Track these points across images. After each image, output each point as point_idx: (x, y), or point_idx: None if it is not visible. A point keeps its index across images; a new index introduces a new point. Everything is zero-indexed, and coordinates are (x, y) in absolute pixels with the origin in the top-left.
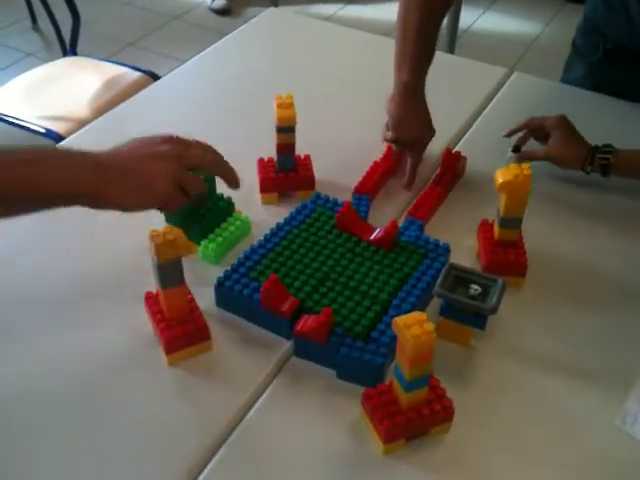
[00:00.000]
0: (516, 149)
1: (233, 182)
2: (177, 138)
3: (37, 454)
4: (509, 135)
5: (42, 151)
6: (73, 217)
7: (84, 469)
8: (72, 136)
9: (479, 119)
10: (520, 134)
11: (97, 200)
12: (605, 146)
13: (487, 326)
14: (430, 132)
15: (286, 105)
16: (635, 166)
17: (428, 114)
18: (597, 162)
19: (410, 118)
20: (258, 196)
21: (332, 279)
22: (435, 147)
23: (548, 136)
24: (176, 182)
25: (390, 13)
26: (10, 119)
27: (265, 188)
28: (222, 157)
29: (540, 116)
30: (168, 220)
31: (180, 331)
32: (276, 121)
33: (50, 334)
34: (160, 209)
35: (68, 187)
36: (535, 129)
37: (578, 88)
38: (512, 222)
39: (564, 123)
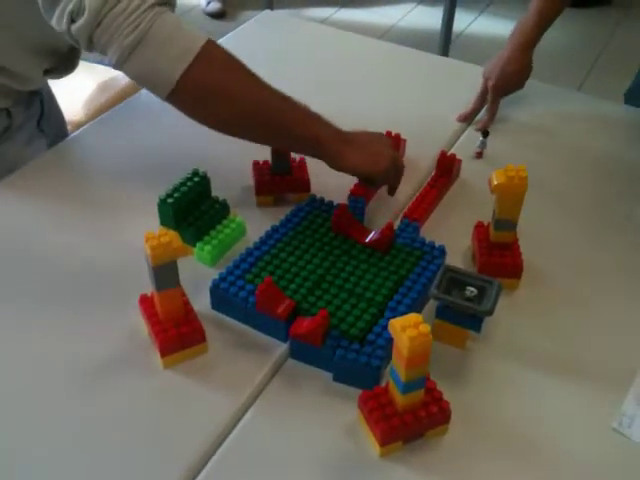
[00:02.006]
0: (485, 134)
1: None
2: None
3: (32, 455)
4: (465, 120)
5: (303, 107)
6: (66, 221)
7: (80, 471)
8: (67, 139)
9: (473, 122)
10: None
11: (337, 156)
12: None
13: (483, 328)
14: (514, 79)
15: None
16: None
17: (521, 65)
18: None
19: (500, 62)
20: (253, 199)
21: (328, 281)
22: (430, 150)
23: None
24: (391, 167)
25: (383, 17)
26: None
27: (260, 191)
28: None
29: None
30: (163, 222)
31: (175, 333)
32: None
33: (45, 336)
34: (369, 183)
35: (314, 136)
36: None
37: (571, 89)
38: (507, 224)
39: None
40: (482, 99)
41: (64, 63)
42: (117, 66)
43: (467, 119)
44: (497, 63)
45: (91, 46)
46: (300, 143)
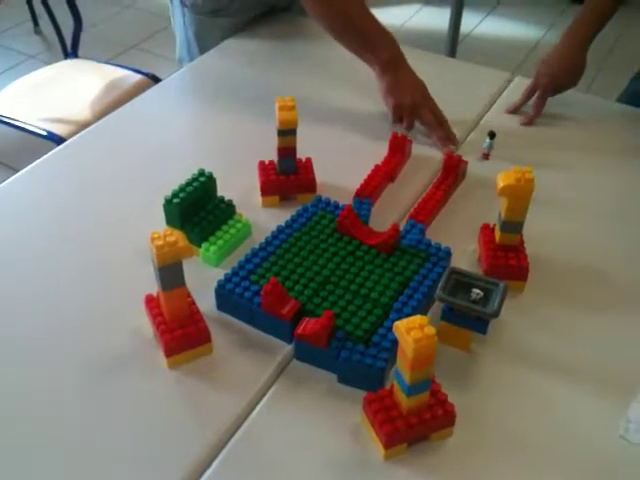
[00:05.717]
0: (492, 135)
1: (444, 143)
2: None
3: (36, 456)
4: (514, 112)
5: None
6: (73, 220)
7: (84, 472)
8: (73, 138)
9: (480, 123)
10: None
11: (377, 79)
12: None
13: (488, 330)
14: (568, 79)
15: (288, 108)
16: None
17: (576, 65)
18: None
19: (555, 61)
20: (259, 199)
21: (333, 282)
22: (436, 151)
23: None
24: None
25: (390, 17)
26: (11, 121)
27: (266, 191)
28: (441, 123)
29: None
30: (169, 222)
31: (180, 334)
32: (277, 124)
33: (51, 336)
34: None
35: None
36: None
37: (577, 92)
38: (513, 226)
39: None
40: (531, 93)
41: None
42: None
43: (516, 111)
44: (552, 62)
45: None
46: (361, 56)
